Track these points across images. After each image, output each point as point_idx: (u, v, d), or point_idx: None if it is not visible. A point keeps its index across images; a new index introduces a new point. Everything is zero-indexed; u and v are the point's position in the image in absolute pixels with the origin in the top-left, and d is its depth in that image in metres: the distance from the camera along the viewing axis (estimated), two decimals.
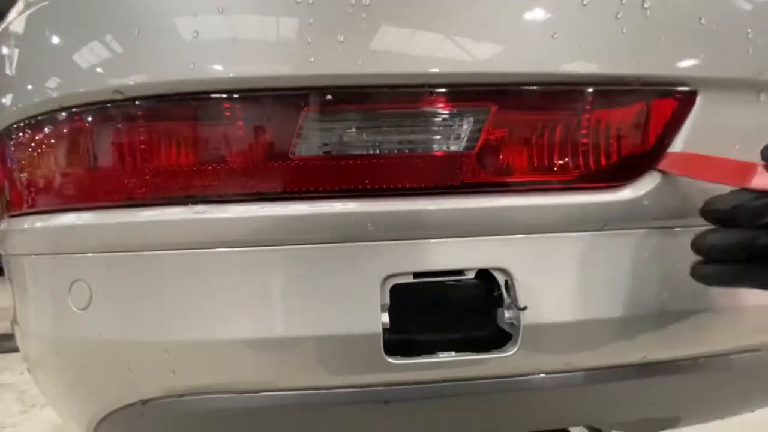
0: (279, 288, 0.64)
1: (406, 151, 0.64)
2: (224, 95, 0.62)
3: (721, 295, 0.71)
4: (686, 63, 0.67)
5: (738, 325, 0.73)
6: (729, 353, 0.74)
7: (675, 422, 0.85)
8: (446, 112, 0.64)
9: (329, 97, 0.61)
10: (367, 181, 0.64)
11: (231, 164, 0.63)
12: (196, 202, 0.64)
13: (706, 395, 0.78)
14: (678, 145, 0.69)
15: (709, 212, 0.55)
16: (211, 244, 0.64)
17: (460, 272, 0.67)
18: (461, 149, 0.65)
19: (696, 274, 0.56)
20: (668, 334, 0.70)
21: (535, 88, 0.64)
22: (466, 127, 0.65)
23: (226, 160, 0.63)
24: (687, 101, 0.68)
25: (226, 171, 0.63)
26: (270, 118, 0.62)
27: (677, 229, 0.71)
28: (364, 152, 0.63)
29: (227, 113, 0.62)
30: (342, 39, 0.61)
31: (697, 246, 0.55)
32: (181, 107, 0.62)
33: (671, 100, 0.68)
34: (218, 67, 0.61)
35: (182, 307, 0.65)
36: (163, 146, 0.63)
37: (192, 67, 0.61)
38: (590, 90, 0.66)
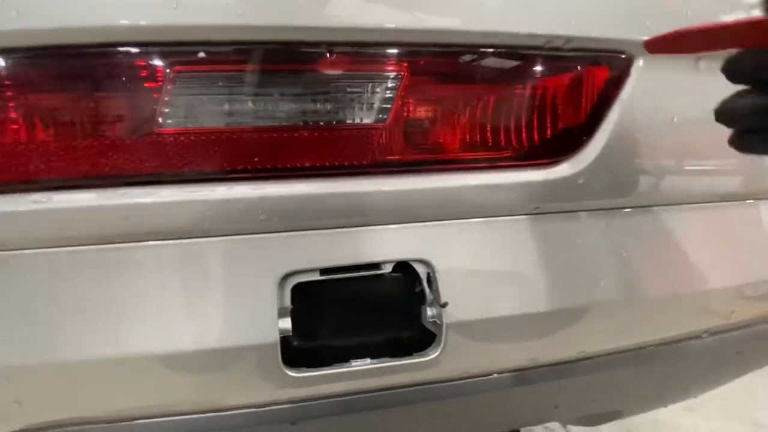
0: (149, 295, 0.51)
1: (305, 123, 0.53)
2: (64, 51, 0.48)
3: (662, 281, 0.66)
4: (621, 26, 0.61)
5: (680, 311, 0.68)
6: (671, 342, 0.69)
7: (617, 415, 0.81)
8: (354, 75, 0.54)
9: (201, 54, 0.49)
10: (255, 159, 0.52)
11: (77, 140, 0.50)
12: (33, 190, 0.51)
13: (650, 385, 0.74)
14: (613, 116, 0.62)
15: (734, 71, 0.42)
16: (55, 242, 0.51)
17: (375, 266, 0.58)
18: (371, 122, 0.55)
19: (742, 144, 0.44)
20: (607, 325, 0.65)
21: (453, 49, 0.55)
22: (376, 94, 0.55)
23: (71, 136, 0.50)
24: (622, 69, 0.62)
25: (71, 149, 0.50)
26: (127, 82, 0.50)
27: (617, 210, 0.65)
28: (251, 124, 0.52)
29: (70, 75, 0.49)
30: None
31: (725, 112, 0.44)
32: (7, 67, 0.48)
33: (605, 68, 0.62)
34: (52, 14, 0.47)
35: (24, 322, 0.51)
36: None
37: (15, 14, 0.47)
38: (517, 53, 0.58)
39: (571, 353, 0.63)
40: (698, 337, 0.71)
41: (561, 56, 0.59)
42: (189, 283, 0.52)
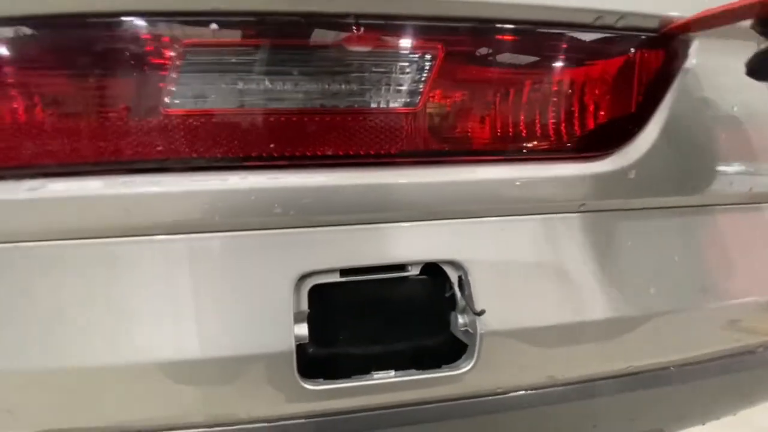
0: (150, 296, 0.46)
1: (327, 106, 0.47)
2: (61, 21, 0.43)
3: (721, 289, 0.59)
4: (680, 2, 0.54)
5: (738, 323, 0.62)
6: (725, 356, 0.63)
7: None
8: (382, 53, 0.48)
9: (213, 26, 0.44)
10: (271, 146, 0.47)
11: (73, 122, 0.45)
12: (27, 176, 0.45)
13: (697, 403, 0.67)
14: (667, 104, 0.56)
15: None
16: (48, 235, 0.45)
17: (401, 267, 0.52)
18: (400, 106, 0.49)
19: None
20: (659, 337, 0.58)
21: (491, 26, 0.49)
22: (406, 75, 0.49)
23: (67, 117, 0.45)
24: (679, 51, 0.55)
25: (66, 132, 0.45)
26: (130, 57, 0.44)
27: (672, 210, 0.58)
28: (268, 106, 0.46)
29: (66, 48, 0.43)
30: None
31: None
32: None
33: (660, 50, 0.55)
34: None
35: (10, 324, 0.46)
36: None
37: None
38: (563, 31, 0.52)
39: (618, 367, 0.57)
40: (752, 352, 0.65)
41: (612, 36, 0.53)
42: (195, 284, 0.46)
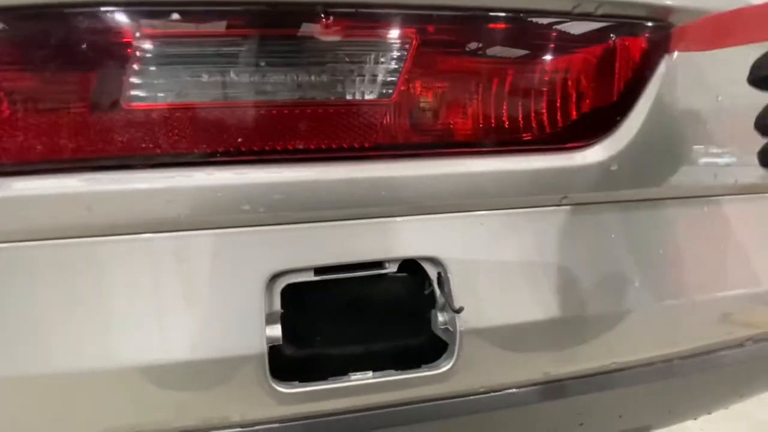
0: (115, 298, 0.44)
1: (297, 98, 0.45)
2: (17, 10, 0.41)
3: (707, 282, 0.58)
4: None
5: (725, 316, 0.60)
6: (712, 350, 0.62)
7: (646, 430, 0.73)
8: (354, 42, 0.46)
9: (175, 15, 0.42)
10: (239, 140, 0.45)
11: (32, 118, 0.43)
12: None
13: (685, 397, 0.66)
14: (650, 94, 0.55)
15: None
16: (7, 236, 0.44)
17: (377, 265, 0.50)
18: (374, 97, 0.47)
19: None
20: (642, 332, 0.57)
21: (467, 13, 0.48)
22: (380, 65, 0.47)
23: (25, 113, 0.43)
24: (661, 39, 0.54)
25: (26, 128, 0.43)
26: (88, 48, 0.42)
27: (656, 202, 0.57)
28: (234, 99, 0.44)
29: (21, 39, 0.41)
30: None
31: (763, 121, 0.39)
32: None
33: (642, 38, 0.54)
34: None
35: None
36: None
37: None
38: (541, 19, 0.50)
39: (602, 364, 0.56)
40: (741, 345, 0.64)
41: (591, 23, 0.52)
42: (161, 285, 0.44)
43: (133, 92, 0.43)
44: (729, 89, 0.57)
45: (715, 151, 0.58)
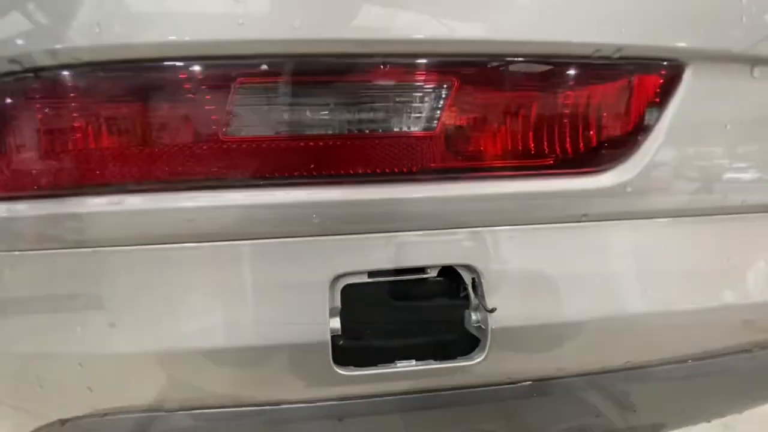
0: (211, 292, 0.55)
1: (356, 131, 0.55)
2: (137, 65, 0.52)
3: (710, 291, 0.65)
4: (673, 33, 0.60)
5: (730, 323, 0.67)
6: (719, 355, 0.67)
7: (660, 428, 0.79)
8: (402, 86, 0.55)
9: (264, 67, 0.53)
10: (311, 166, 0.55)
11: (150, 147, 0.54)
12: (112, 192, 0.55)
13: (695, 399, 0.72)
14: (663, 125, 0.62)
15: None
16: (131, 241, 0.55)
17: (421, 270, 0.59)
18: (420, 130, 0.57)
19: None
20: (654, 336, 0.64)
21: (502, 60, 0.56)
22: (425, 104, 0.56)
23: (144, 143, 0.54)
24: (673, 76, 0.61)
25: (144, 155, 0.54)
26: (195, 93, 0.53)
27: (667, 219, 0.64)
28: (306, 133, 0.54)
29: (140, 86, 0.53)
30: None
31: None
32: (88, 79, 0.53)
33: (655, 76, 0.61)
34: (129, 31, 0.51)
35: (97, 314, 0.56)
36: (68, 127, 0.53)
37: (98, 30, 0.51)
38: (565, 62, 0.58)
39: (617, 362, 0.63)
40: (748, 351, 0.69)
41: (610, 64, 0.59)
42: (249, 283, 0.55)
43: (228, 128, 0.54)
44: (736, 119, 0.63)
45: (722, 173, 0.64)
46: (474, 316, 0.59)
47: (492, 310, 0.56)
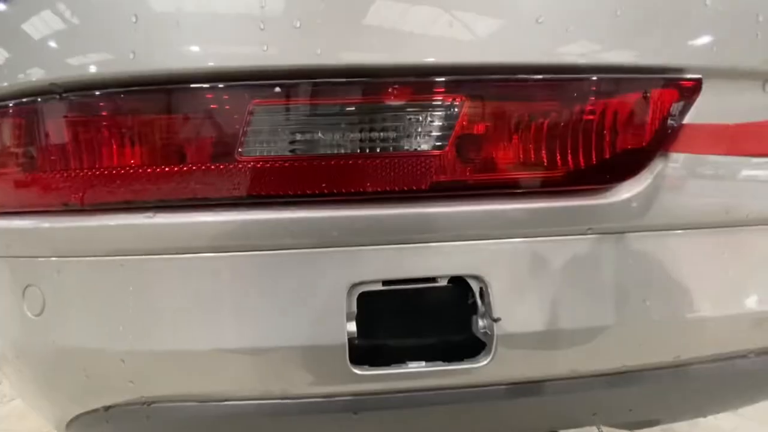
0: (239, 297, 0.60)
1: (369, 150, 0.58)
2: (166, 87, 0.55)
3: (707, 300, 0.67)
4: (688, 50, 0.61)
5: (727, 331, 0.70)
6: (716, 360, 0.71)
7: (655, 423, 0.84)
8: (413, 106, 0.57)
9: (277, 90, 0.55)
10: (329, 184, 0.59)
11: (177, 167, 0.57)
12: (145, 208, 0.59)
13: (691, 400, 0.76)
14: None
15: None
16: (165, 251, 0.60)
17: (432, 279, 0.63)
18: (430, 148, 0.59)
19: None
20: (651, 341, 0.67)
21: (514, 78, 0.58)
22: (436, 124, 0.59)
23: (170, 162, 0.57)
24: (690, 92, 0.62)
25: (170, 174, 0.57)
26: (216, 114, 0.56)
27: (670, 231, 0.66)
28: (323, 153, 0.57)
29: (168, 108, 0.56)
30: (299, 25, 0.54)
31: None
32: (120, 101, 0.56)
33: (673, 90, 0.61)
34: (160, 57, 0.54)
35: (137, 315, 0.61)
36: (101, 146, 0.57)
37: (132, 57, 0.55)
38: (576, 82, 0.59)
39: (615, 366, 0.67)
40: (744, 356, 0.72)
41: (626, 79, 0.60)
42: (276, 288, 0.59)
43: (246, 147, 0.57)
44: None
45: (728, 187, 0.66)
46: (481, 323, 0.63)
47: (497, 320, 0.60)
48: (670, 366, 0.67)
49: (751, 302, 0.67)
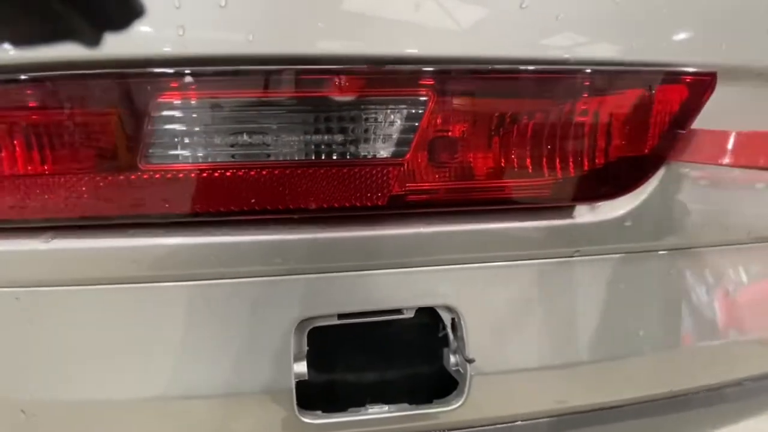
0: (158, 337, 0.49)
1: (315, 157, 0.46)
2: (48, 76, 0.42)
3: (705, 329, 0.60)
4: (696, 47, 0.51)
5: (724, 359, 0.63)
6: (710, 389, 0.64)
7: None
8: (367, 103, 0.46)
9: (189, 80, 0.42)
10: (264, 200, 0.47)
11: (65, 178, 0.44)
12: (45, 229, 0.48)
13: (684, 429, 0.70)
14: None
15: None
16: (65, 282, 0.48)
17: (396, 310, 0.54)
18: (389, 155, 0.48)
19: None
20: (643, 374, 0.60)
21: (491, 70, 0.48)
22: (394, 124, 0.48)
23: (58, 173, 0.44)
24: (701, 89, 0.52)
25: (60, 187, 0.44)
26: (112, 112, 0.44)
27: (664, 252, 0.58)
28: (255, 160, 0.46)
29: (49, 103, 0.43)
30: (224, 4, 0.43)
31: None
32: None
33: (682, 86, 0.51)
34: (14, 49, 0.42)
35: (35, 359, 0.50)
36: None
37: None
38: (561, 81, 0.49)
39: (603, 400, 0.60)
40: (739, 384, 0.66)
41: (625, 72, 0.50)
42: (202, 326, 0.49)
43: (150, 153, 0.45)
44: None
45: (726, 208, 0.58)
46: (452, 359, 0.55)
47: (471, 360, 0.52)
48: (663, 398, 0.60)
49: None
